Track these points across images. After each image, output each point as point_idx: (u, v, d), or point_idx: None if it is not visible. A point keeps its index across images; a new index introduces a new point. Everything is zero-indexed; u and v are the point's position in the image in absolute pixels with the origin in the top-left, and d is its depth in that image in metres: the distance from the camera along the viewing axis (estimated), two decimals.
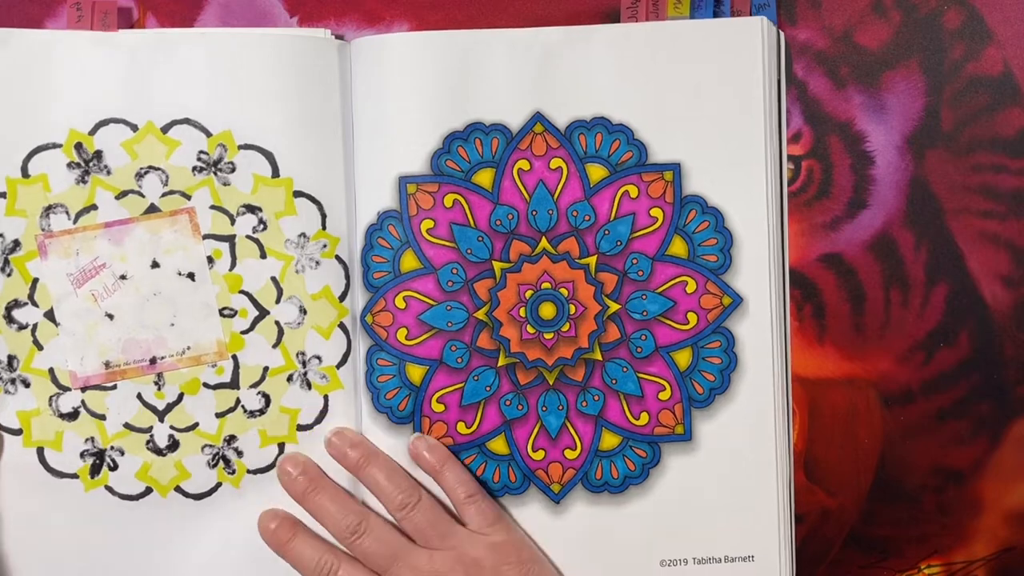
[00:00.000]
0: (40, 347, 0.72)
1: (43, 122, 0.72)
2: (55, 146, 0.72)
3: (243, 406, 0.73)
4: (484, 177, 0.73)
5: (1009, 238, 0.74)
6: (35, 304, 0.72)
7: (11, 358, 0.72)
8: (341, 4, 0.75)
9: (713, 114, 0.73)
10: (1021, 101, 0.74)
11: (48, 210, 0.72)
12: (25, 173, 0.72)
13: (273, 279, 0.73)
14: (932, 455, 0.75)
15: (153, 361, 0.73)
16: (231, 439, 0.73)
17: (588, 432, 0.73)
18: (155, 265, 0.72)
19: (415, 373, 0.73)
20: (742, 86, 0.72)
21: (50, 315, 0.72)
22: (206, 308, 0.73)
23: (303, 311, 0.73)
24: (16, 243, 0.72)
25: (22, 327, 0.72)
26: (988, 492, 0.75)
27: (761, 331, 0.73)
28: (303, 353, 0.73)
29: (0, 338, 0.72)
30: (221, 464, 0.73)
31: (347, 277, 0.74)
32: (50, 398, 0.72)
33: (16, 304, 0.72)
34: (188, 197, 0.72)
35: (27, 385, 0.73)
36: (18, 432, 0.73)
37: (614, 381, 0.73)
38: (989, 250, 0.74)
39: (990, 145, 0.74)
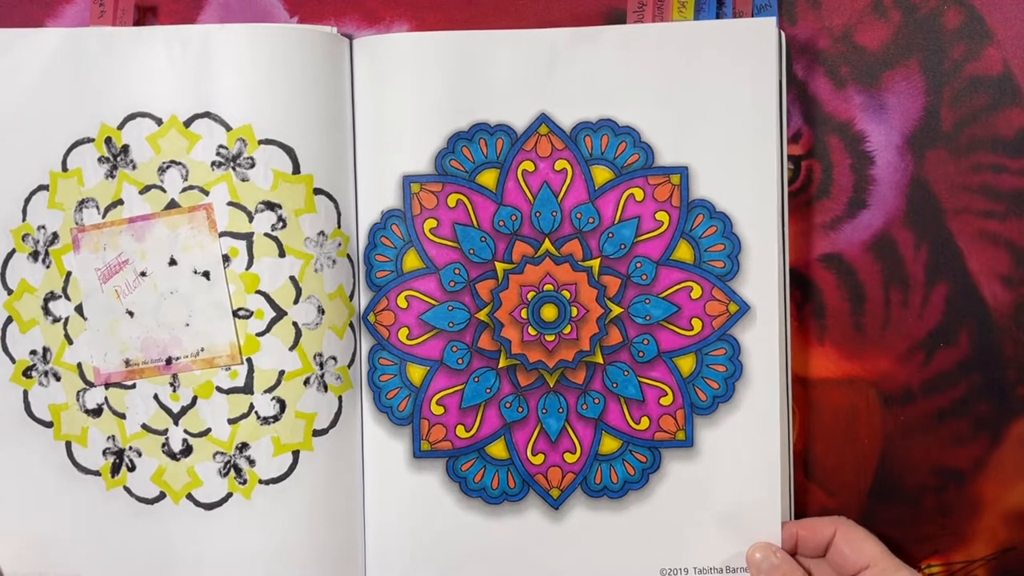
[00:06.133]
0: (70, 341, 0.73)
1: (80, 116, 0.72)
2: (89, 140, 0.72)
3: (256, 412, 0.72)
4: (488, 178, 0.72)
5: (1009, 238, 0.74)
6: (68, 298, 0.73)
7: (46, 350, 0.73)
8: (341, 4, 0.76)
9: (724, 117, 0.71)
10: (1021, 101, 0.73)
11: (82, 204, 0.72)
12: (64, 167, 0.73)
13: (292, 279, 0.72)
14: (932, 455, 0.75)
15: (169, 361, 0.72)
16: (243, 447, 0.72)
17: (588, 435, 0.73)
18: (173, 263, 0.72)
19: (415, 373, 0.73)
20: (755, 88, 0.71)
21: (80, 309, 0.73)
22: (220, 309, 0.71)
23: (321, 311, 0.72)
24: (55, 235, 0.73)
25: (56, 319, 0.73)
26: (988, 492, 0.75)
27: (768, 340, 0.72)
28: (320, 354, 0.72)
29: (37, 329, 0.73)
30: (232, 473, 0.72)
31: (355, 276, 0.73)
32: (77, 393, 0.73)
33: (52, 296, 0.73)
34: (206, 193, 0.71)
35: (58, 378, 0.73)
36: (49, 425, 0.74)
37: (615, 385, 0.73)
38: (989, 250, 0.74)
39: (990, 145, 0.73)
